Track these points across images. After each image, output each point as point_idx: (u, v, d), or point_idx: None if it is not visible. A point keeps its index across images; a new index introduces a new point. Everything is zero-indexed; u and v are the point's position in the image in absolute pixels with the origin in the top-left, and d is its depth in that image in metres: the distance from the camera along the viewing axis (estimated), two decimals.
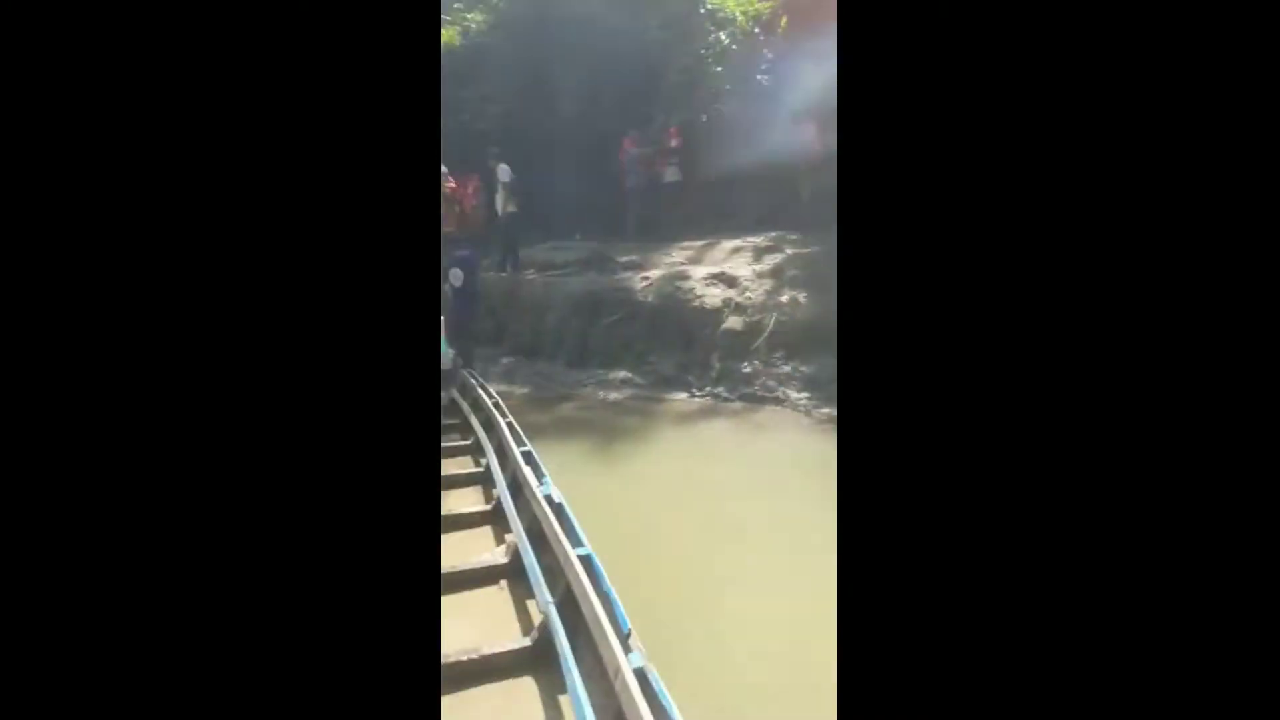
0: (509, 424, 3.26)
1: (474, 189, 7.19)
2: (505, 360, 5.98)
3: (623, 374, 5.36)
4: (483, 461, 3.21)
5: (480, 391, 4.02)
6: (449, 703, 1.64)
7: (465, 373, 4.34)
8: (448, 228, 7.38)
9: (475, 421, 3.74)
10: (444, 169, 7.40)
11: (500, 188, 6.40)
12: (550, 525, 2.08)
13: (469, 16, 9.42)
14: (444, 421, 4.02)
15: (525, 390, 5.35)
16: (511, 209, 6.47)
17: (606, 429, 4.34)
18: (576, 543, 1.93)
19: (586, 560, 1.82)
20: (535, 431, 3.35)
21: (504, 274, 6.72)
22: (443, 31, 9.39)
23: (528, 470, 2.58)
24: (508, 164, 6.44)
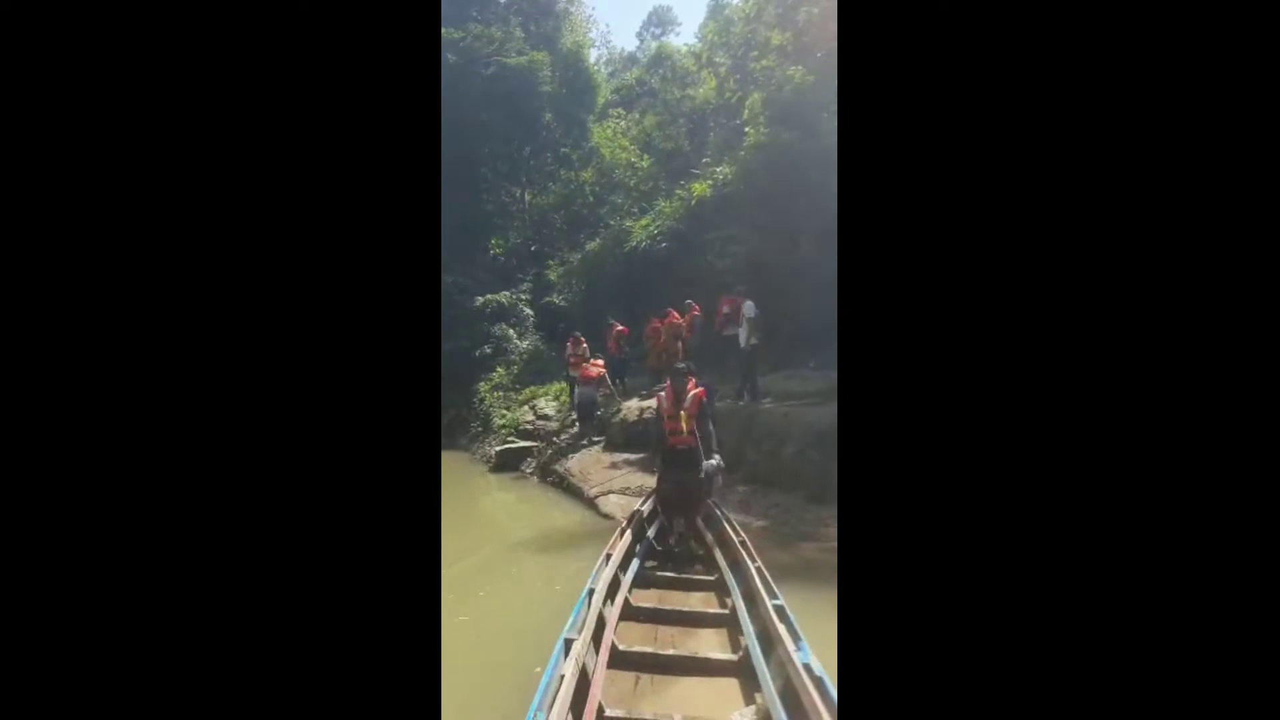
0: (758, 569, 3.17)
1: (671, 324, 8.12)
2: (741, 489, 6.01)
3: None
4: (728, 602, 3.13)
5: (725, 524, 4.04)
6: None
7: (711, 503, 4.44)
8: (654, 362, 8.37)
9: (720, 558, 3.70)
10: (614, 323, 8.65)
11: (745, 322, 6.77)
12: (812, 702, 1.93)
13: (718, 170, 10.56)
14: (687, 549, 4.11)
15: (763, 524, 5.28)
16: (755, 341, 6.78)
17: None
18: None
19: None
20: (779, 572, 3.25)
21: (742, 402, 6.93)
22: (695, 185, 10.66)
23: (782, 628, 2.47)
24: (752, 301, 6.82)
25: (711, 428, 4.36)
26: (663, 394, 4.29)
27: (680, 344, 8.19)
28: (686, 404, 4.15)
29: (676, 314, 8.42)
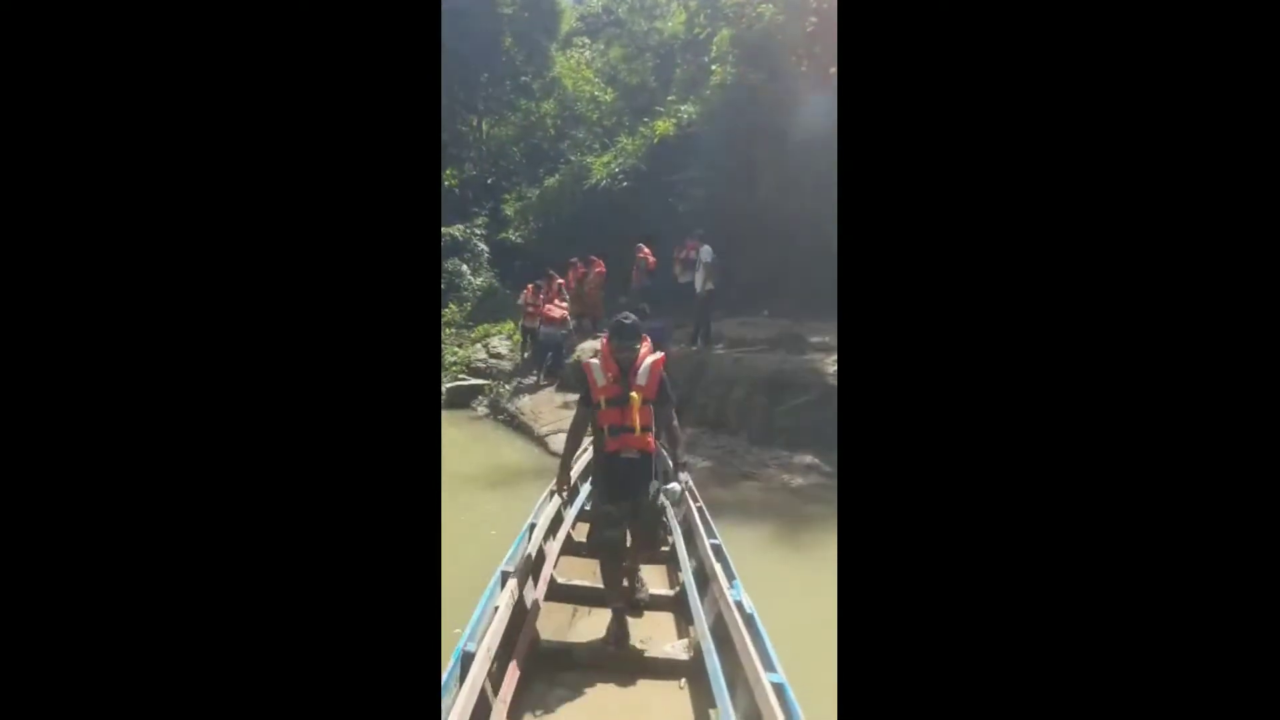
0: (699, 509, 3.24)
1: (596, 274, 8.30)
2: (690, 430, 6.15)
3: (808, 459, 5.24)
4: (669, 540, 3.18)
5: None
6: None
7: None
8: (575, 309, 8.50)
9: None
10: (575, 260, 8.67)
11: (701, 267, 6.75)
12: (740, 636, 2.00)
13: (682, 108, 10.29)
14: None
15: (707, 464, 5.44)
16: (710, 287, 6.79)
17: (791, 516, 4.26)
18: (768, 665, 1.81)
19: (779, 690, 1.70)
20: (716, 509, 3.38)
21: (695, 348, 7.00)
22: (659, 123, 10.38)
23: (717, 566, 2.53)
24: (710, 245, 6.79)
25: (674, 415, 2.47)
26: (595, 361, 2.40)
27: (602, 294, 8.20)
28: (642, 381, 2.30)
29: (600, 261, 8.43)
